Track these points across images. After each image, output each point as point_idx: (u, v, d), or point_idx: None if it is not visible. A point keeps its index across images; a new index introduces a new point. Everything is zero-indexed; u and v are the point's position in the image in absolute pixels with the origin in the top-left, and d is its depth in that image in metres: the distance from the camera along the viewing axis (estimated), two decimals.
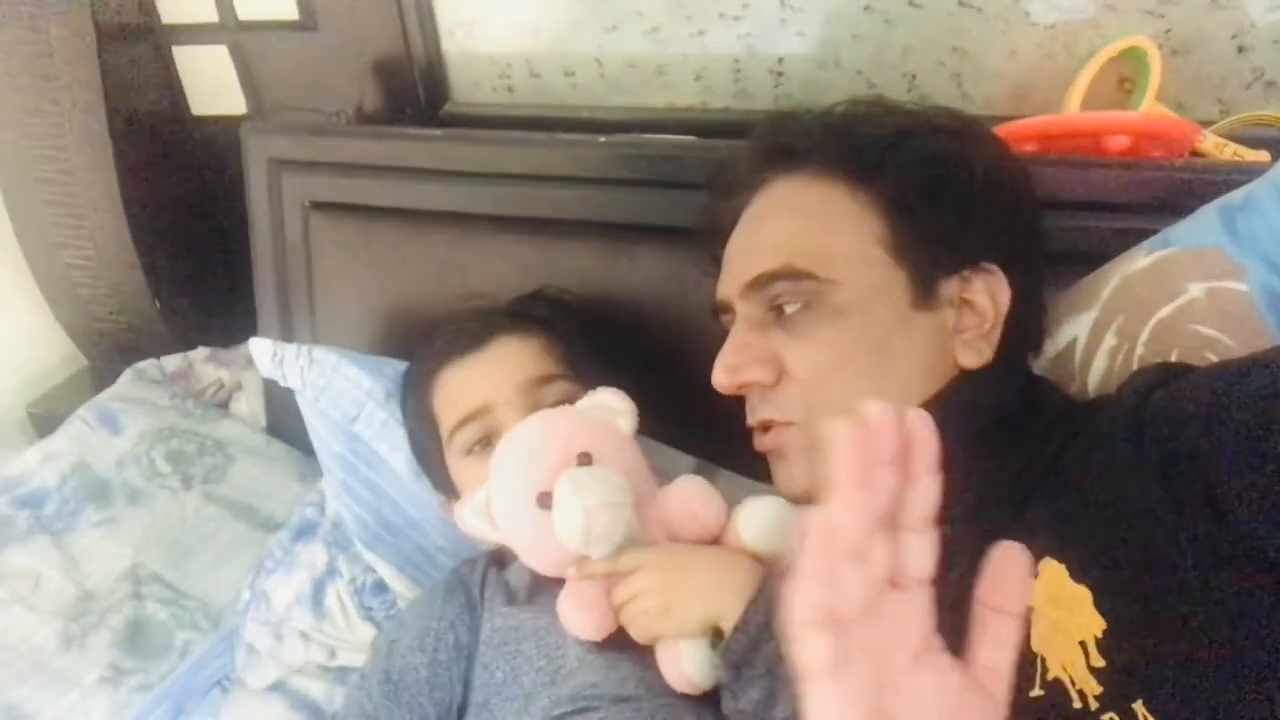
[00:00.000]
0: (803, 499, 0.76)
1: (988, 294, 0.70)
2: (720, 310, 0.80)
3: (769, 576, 0.68)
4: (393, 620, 0.95)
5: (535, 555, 0.80)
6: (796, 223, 0.73)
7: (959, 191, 0.71)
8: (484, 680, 0.79)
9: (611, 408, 0.82)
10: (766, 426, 0.74)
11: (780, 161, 0.76)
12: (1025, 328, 0.74)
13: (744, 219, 0.78)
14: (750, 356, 0.72)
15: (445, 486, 0.92)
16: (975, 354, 0.70)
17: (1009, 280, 0.71)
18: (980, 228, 0.71)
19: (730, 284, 0.76)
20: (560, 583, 0.79)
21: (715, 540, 0.79)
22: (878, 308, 0.69)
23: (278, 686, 1.01)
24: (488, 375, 0.86)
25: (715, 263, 0.81)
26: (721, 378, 0.72)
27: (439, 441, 0.89)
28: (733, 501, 0.82)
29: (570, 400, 0.86)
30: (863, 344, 0.69)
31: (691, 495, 0.80)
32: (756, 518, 0.77)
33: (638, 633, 0.73)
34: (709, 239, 0.83)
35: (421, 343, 0.95)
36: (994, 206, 0.72)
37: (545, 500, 0.74)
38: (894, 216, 0.70)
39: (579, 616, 0.75)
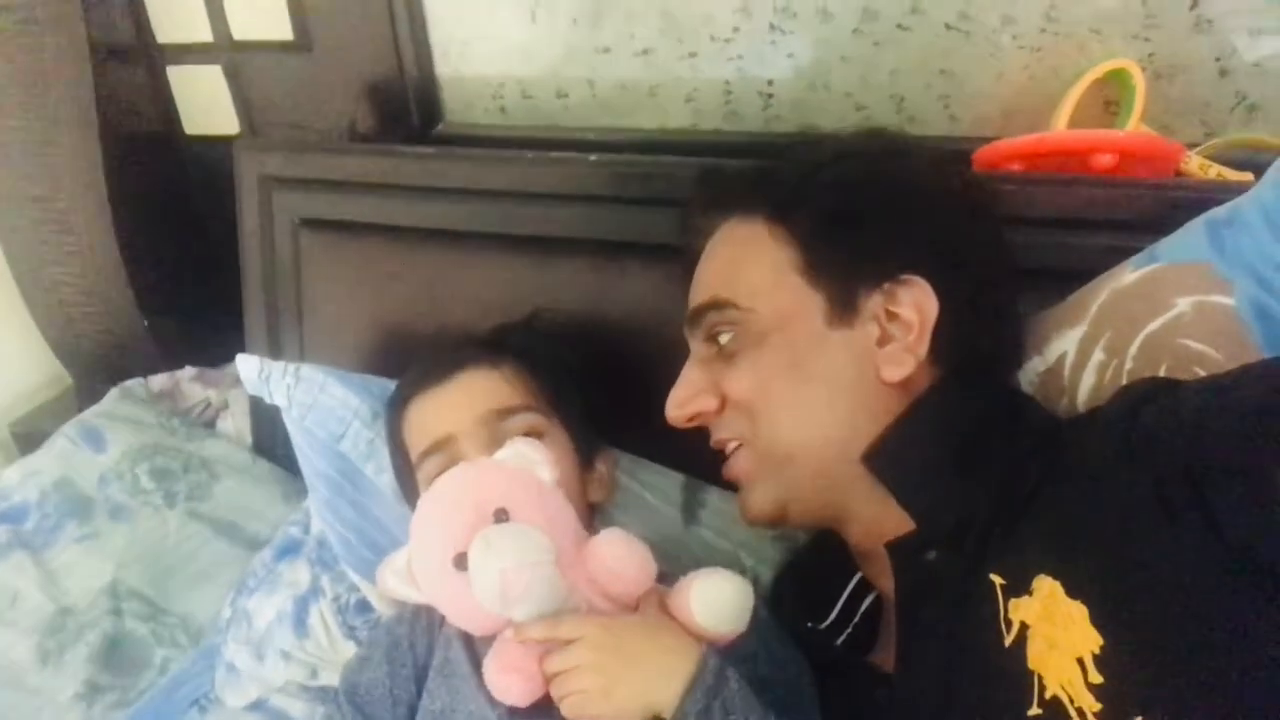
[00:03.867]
0: (768, 523, 0.78)
1: (912, 305, 0.72)
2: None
3: (709, 659, 0.66)
4: (372, 633, 0.94)
5: (461, 617, 0.77)
6: (721, 260, 0.80)
7: (871, 212, 0.75)
8: (425, 705, 0.79)
9: (529, 458, 0.79)
10: (723, 450, 0.79)
11: (716, 211, 0.82)
12: (973, 339, 0.75)
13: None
14: (695, 389, 0.78)
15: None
16: (898, 365, 0.72)
17: (940, 290, 0.72)
18: (899, 242, 0.74)
19: (686, 318, 0.82)
20: None
21: (648, 594, 0.75)
22: (794, 329, 0.73)
23: (257, 706, 1.00)
24: (450, 407, 0.87)
25: None
26: (671, 411, 0.79)
27: (410, 473, 0.90)
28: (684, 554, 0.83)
29: (535, 432, 0.86)
30: (781, 364, 0.73)
31: (612, 554, 0.74)
32: (709, 596, 0.72)
33: (569, 710, 0.68)
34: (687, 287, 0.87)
35: (404, 369, 0.95)
36: (914, 221, 0.75)
37: (462, 561, 0.71)
38: (806, 244, 0.74)
39: (505, 681, 0.70)
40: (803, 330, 0.73)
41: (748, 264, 0.77)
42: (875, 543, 0.73)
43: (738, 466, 0.78)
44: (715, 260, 0.80)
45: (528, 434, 0.86)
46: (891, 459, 0.72)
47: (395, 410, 0.92)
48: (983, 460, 0.69)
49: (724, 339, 0.76)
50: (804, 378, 0.73)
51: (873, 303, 0.72)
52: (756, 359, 0.74)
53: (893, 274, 0.72)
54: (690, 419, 0.79)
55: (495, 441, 0.84)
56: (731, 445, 0.78)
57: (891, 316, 0.72)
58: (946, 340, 0.73)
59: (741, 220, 0.79)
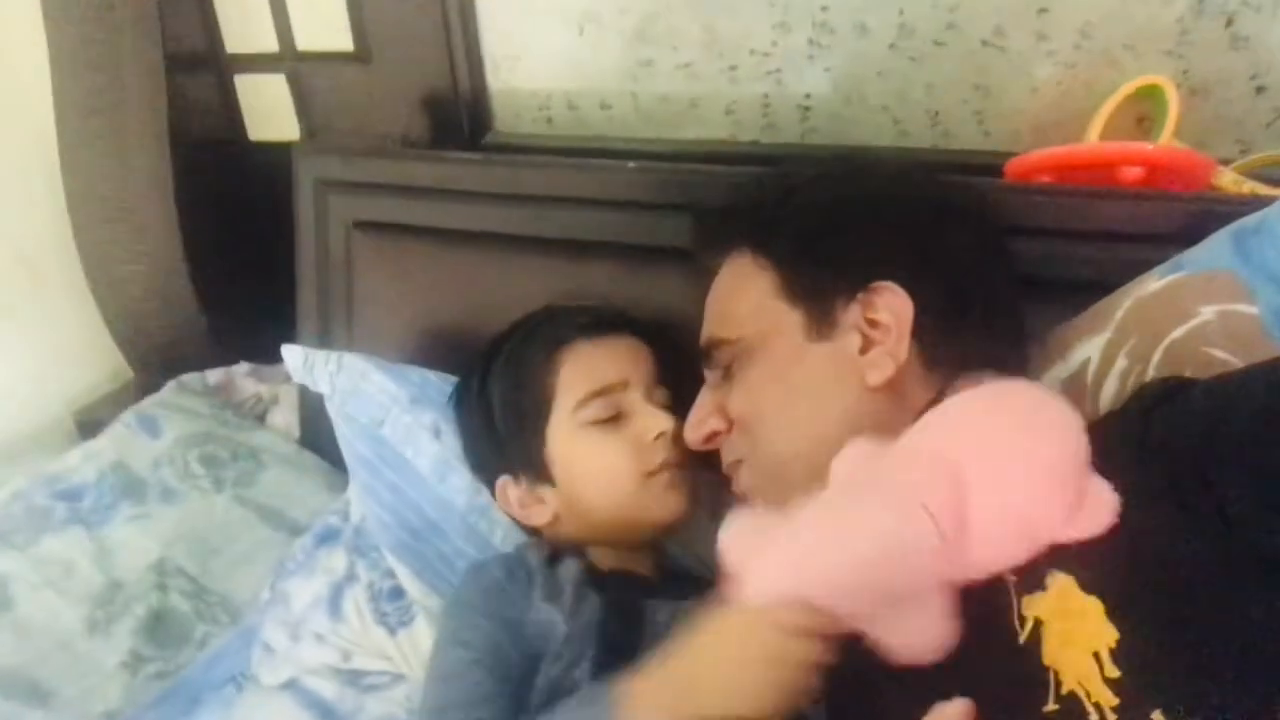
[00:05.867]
0: None
1: (887, 309, 0.75)
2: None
3: None
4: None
5: None
6: (716, 299, 0.86)
7: (838, 228, 0.79)
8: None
9: None
10: (731, 475, 0.82)
11: (713, 252, 0.87)
12: (963, 342, 0.76)
13: None
14: (705, 414, 0.83)
15: (520, 458, 0.92)
16: (879, 369, 0.74)
17: (914, 293, 0.74)
18: (867, 253, 0.77)
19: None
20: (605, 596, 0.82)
21: None
22: (775, 347, 0.78)
23: (290, 685, 1.02)
24: (629, 356, 0.92)
25: None
26: (687, 434, 0.85)
27: (541, 414, 0.90)
28: None
29: (668, 407, 0.90)
30: (767, 380, 0.78)
31: None
32: None
33: None
34: None
35: (527, 327, 0.97)
36: (880, 231, 0.79)
37: None
38: (782, 266, 0.79)
39: None
40: (784, 347, 0.77)
41: (736, 297, 0.82)
42: None
43: (740, 484, 0.81)
44: (713, 299, 0.86)
45: (665, 407, 0.91)
46: None
47: (547, 351, 0.92)
48: None
49: (732, 366, 0.81)
50: (787, 390, 0.77)
51: (851, 314, 0.75)
52: (746, 378, 0.79)
53: (865, 283, 0.75)
54: (704, 440, 0.84)
55: (651, 401, 0.90)
56: (736, 470, 0.82)
57: (873, 324, 0.75)
58: (934, 345, 0.75)
59: (733, 259, 0.84)
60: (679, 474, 0.89)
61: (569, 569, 0.86)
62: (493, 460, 0.96)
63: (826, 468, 0.73)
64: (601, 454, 0.89)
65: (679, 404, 0.91)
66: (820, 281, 0.77)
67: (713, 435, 0.83)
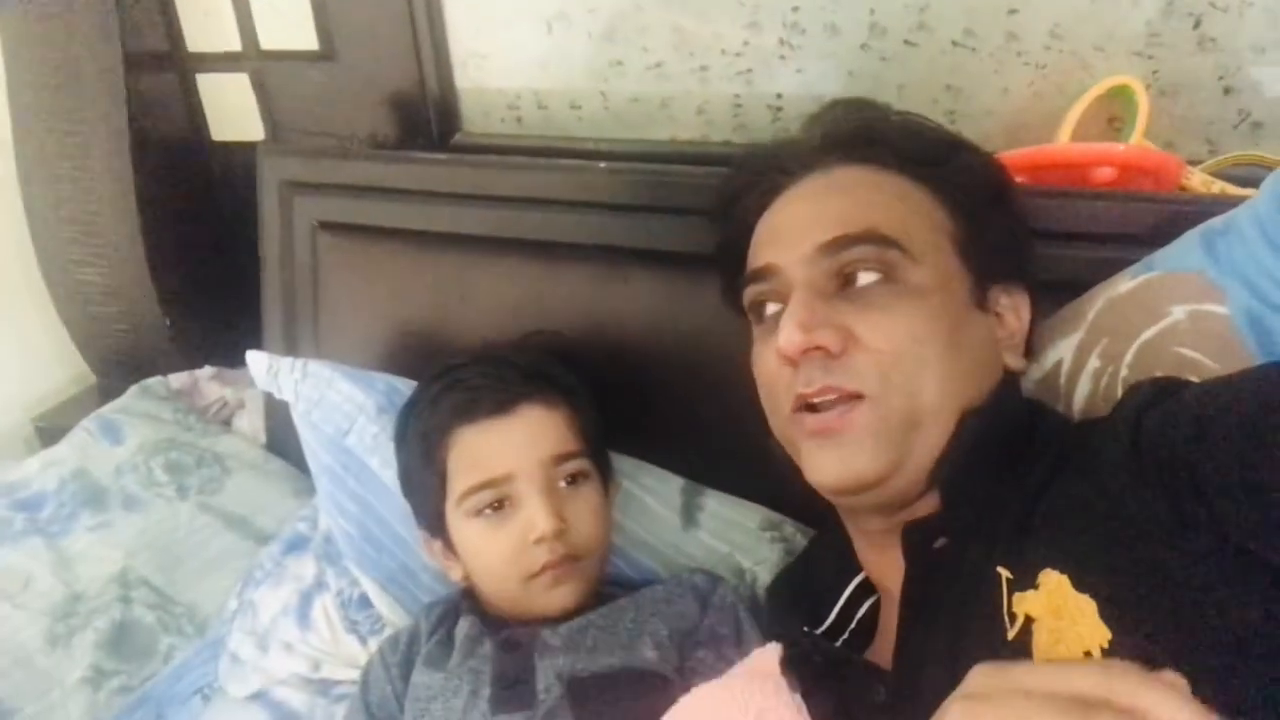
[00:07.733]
0: (852, 487, 0.70)
1: (1014, 310, 0.76)
2: (755, 278, 0.76)
3: None
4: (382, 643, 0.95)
5: None
6: (876, 198, 0.73)
7: (1009, 207, 0.78)
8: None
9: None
10: (812, 406, 0.69)
11: (840, 149, 0.77)
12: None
13: (795, 195, 0.77)
14: (821, 320, 0.68)
15: (431, 522, 0.91)
16: (1016, 358, 0.75)
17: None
18: (1019, 247, 0.77)
19: (790, 248, 0.72)
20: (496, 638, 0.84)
21: None
22: (950, 296, 0.71)
23: (259, 696, 1.01)
24: (513, 445, 0.85)
25: (729, 250, 0.83)
26: (796, 336, 0.67)
27: (440, 490, 0.88)
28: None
29: (582, 475, 0.87)
30: (939, 327, 0.69)
31: None
32: None
33: None
34: (730, 217, 0.83)
35: (437, 386, 0.91)
36: (1025, 229, 0.79)
37: None
38: (965, 219, 0.74)
39: None
40: (957, 299, 0.72)
41: (911, 216, 0.72)
42: (896, 527, 0.71)
43: (846, 421, 0.68)
44: (861, 196, 0.73)
45: (575, 478, 0.87)
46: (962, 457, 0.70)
47: (436, 431, 0.88)
48: (1010, 457, 0.69)
49: (866, 279, 0.70)
50: (955, 346, 0.69)
51: (994, 296, 0.75)
52: (915, 312, 0.68)
53: (1009, 275, 0.76)
54: (806, 351, 0.68)
55: (548, 484, 0.85)
56: (840, 396, 0.68)
57: (1000, 316, 0.75)
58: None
59: (876, 169, 0.75)
60: (563, 572, 0.84)
61: (464, 626, 0.87)
62: (417, 512, 0.95)
63: (951, 431, 0.69)
64: (483, 549, 0.86)
65: (600, 459, 0.91)
66: (990, 252, 0.74)
67: (818, 349, 0.68)
